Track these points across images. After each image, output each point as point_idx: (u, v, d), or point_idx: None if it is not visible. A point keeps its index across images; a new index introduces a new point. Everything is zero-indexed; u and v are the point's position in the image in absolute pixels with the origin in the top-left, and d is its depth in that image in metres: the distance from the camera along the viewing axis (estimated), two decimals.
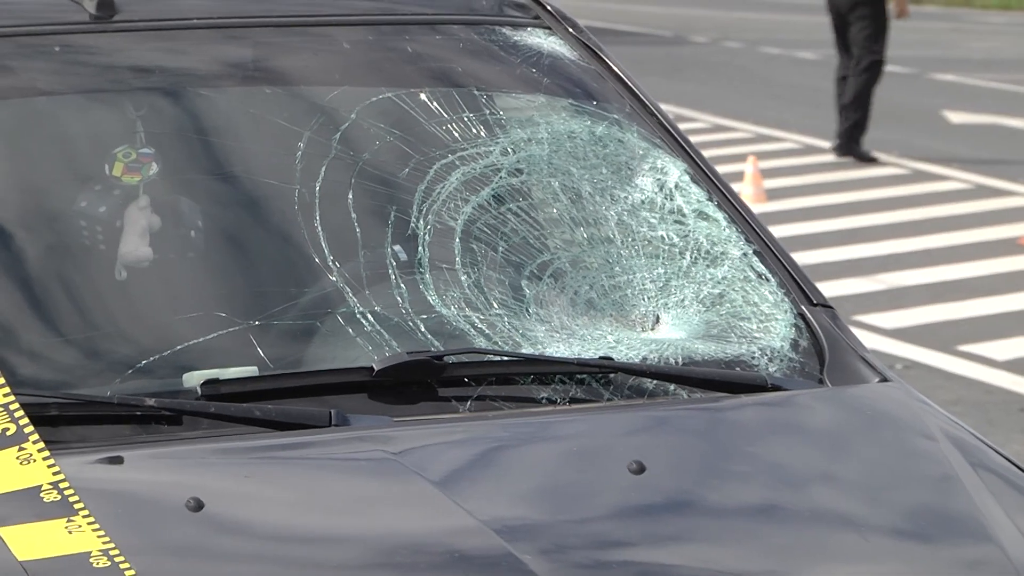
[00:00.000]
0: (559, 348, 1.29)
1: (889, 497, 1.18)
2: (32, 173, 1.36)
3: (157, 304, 1.32)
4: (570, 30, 1.62)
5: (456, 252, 1.34)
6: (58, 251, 1.31)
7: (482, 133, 1.42)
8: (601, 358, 1.28)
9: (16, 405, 1.04)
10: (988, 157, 9.75)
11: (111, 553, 0.90)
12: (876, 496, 1.17)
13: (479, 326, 1.28)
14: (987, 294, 6.47)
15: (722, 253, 1.41)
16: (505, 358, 1.29)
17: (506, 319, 1.32)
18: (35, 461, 0.99)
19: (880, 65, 9.58)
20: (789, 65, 14.53)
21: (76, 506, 0.95)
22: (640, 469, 1.10)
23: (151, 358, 1.19)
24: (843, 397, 1.33)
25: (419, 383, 1.23)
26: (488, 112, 1.45)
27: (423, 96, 1.43)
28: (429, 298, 1.29)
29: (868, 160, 9.55)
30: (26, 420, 1.02)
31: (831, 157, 9.69)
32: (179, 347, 1.21)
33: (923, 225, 7.88)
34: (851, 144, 9.55)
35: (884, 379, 1.34)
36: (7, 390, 1.04)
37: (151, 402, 1.12)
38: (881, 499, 1.17)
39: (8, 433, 1.01)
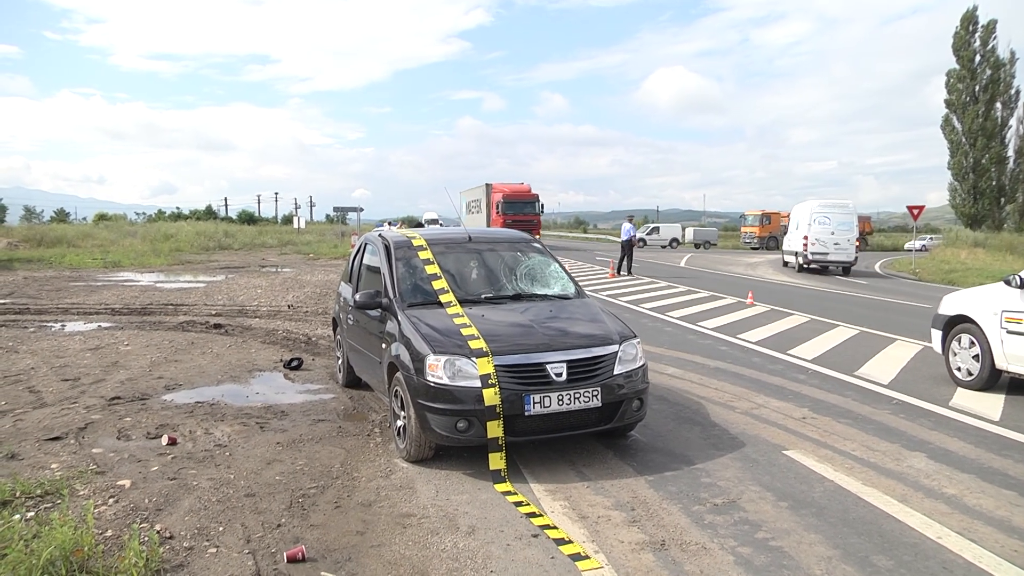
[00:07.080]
0: (534, 291, 7.56)
1: (585, 317, 7.08)
2: (456, 265, 7.67)
3: (472, 281, 7.56)
4: (542, 242, 8.15)
5: (514, 275, 7.66)
6: (454, 276, 7.56)
7: (524, 257, 7.87)
8: (540, 294, 7.54)
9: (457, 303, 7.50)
10: None
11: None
12: (585, 317, 7.06)
13: (518, 290, 7.57)
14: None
15: (562, 277, 7.84)
16: (521, 293, 7.53)
17: (515, 288, 7.53)
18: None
19: None
20: None
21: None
22: (551, 308, 7.18)
23: (477, 293, 7.37)
24: (581, 300, 7.54)
25: (506, 299, 7.36)
26: (527, 254, 7.95)
27: (517, 251, 7.93)
28: (514, 284, 7.55)
29: None
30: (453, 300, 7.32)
31: None
32: (480, 292, 7.39)
33: None
34: None
35: (587, 296, 7.70)
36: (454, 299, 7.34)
37: (471, 298, 7.31)
38: (586, 316, 7.11)
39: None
